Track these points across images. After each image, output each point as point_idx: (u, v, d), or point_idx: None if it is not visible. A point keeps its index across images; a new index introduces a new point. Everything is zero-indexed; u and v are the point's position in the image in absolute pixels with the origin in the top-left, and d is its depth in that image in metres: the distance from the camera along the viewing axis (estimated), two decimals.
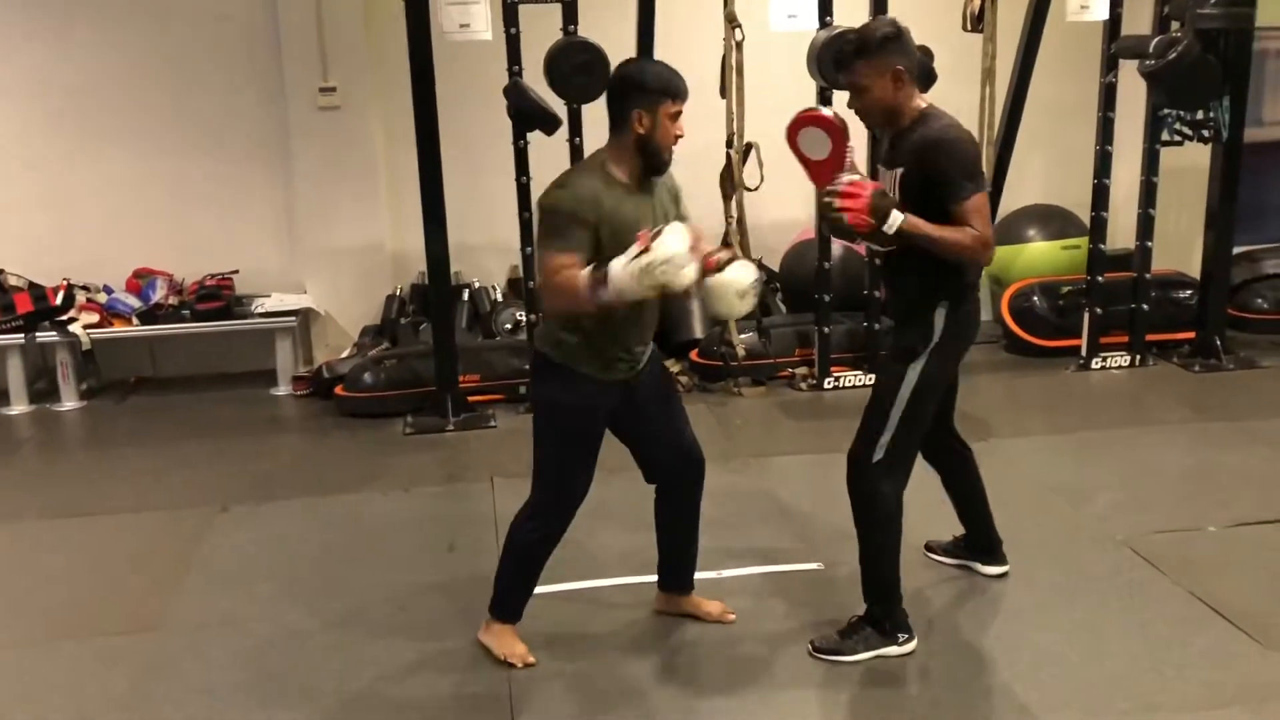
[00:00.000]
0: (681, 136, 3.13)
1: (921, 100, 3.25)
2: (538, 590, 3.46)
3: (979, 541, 3.87)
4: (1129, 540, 4.08)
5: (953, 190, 3.08)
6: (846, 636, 3.39)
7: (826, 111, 3.38)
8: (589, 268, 2.95)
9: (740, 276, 3.18)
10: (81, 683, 3.42)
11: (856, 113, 3.33)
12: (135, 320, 6.33)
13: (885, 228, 3.03)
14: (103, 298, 6.40)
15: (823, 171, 3.34)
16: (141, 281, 6.50)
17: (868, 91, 3.21)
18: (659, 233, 2.88)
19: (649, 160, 3.10)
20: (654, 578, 3.69)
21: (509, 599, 3.42)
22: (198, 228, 6.65)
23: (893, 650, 3.36)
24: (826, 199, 3.08)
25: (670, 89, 3.08)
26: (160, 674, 3.45)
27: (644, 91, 3.06)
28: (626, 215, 3.05)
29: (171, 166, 6.58)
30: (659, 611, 3.67)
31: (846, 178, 3.09)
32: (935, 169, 3.09)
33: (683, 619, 3.63)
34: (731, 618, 3.62)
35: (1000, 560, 3.86)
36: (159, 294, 6.42)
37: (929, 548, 3.98)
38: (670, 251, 2.84)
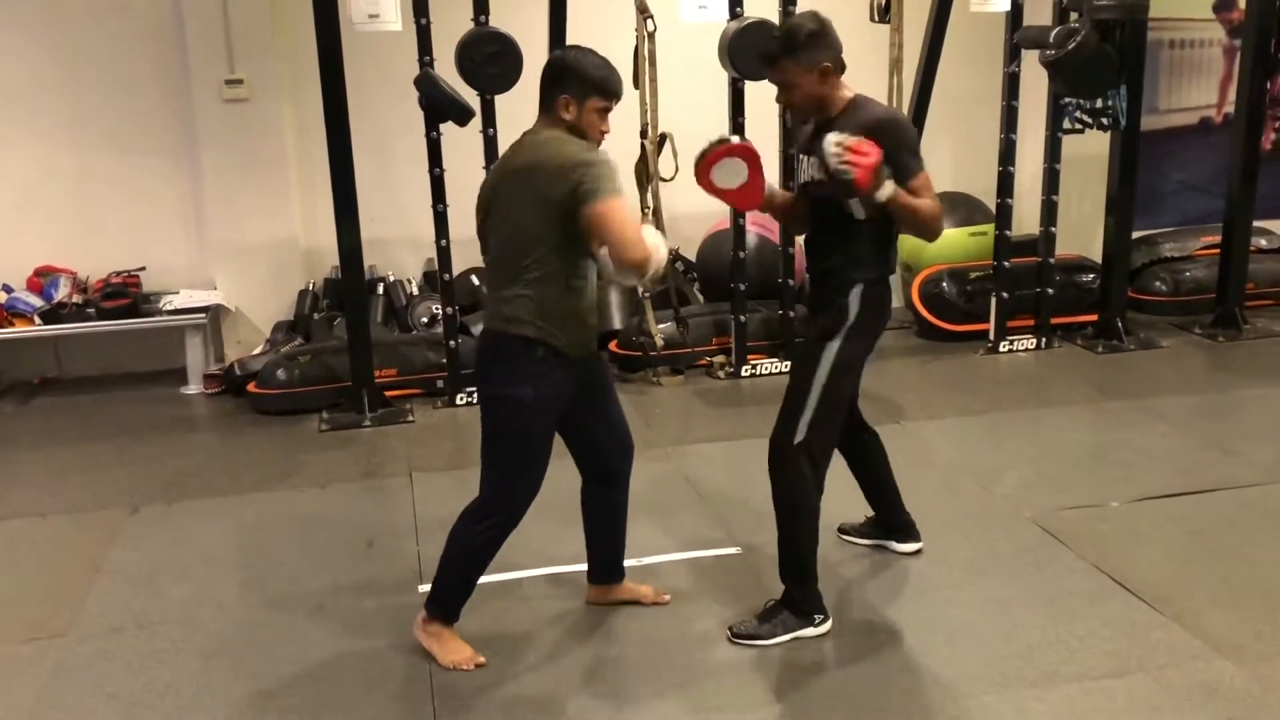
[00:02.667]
0: (607, 133, 3.13)
1: (848, 89, 3.32)
2: None
3: (892, 521, 3.95)
4: (1037, 517, 4.20)
5: (906, 166, 3.17)
6: (764, 621, 3.44)
7: (734, 140, 3.40)
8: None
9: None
10: None
11: (785, 107, 3.38)
12: (37, 320, 6.16)
13: (879, 194, 3.09)
14: (2, 297, 6.21)
15: (746, 195, 3.41)
16: (43, 280, 6.32)
17: (797, 88, 3.26)
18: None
19: None
20: (580, 567, 3.70)
21: (451, 600, 3.36)
22: (102, 224, 6.48)
23: (809, 631, 3.42)
24: (836, 148, 3.04)
25: (603, 85, 3.08)
26: (71, 680, 3.36)
27: (578, 80, 3.06)
28: None
29: (73, 162, 6.40)
30: (591, 603, 3.67)
31: (852, 139, 3.07)
32: (892, 143, 3.15)
33: (608, 608, 3.64)
34: (666, 599, 3.66)
35: (914, 537, 3.95)
36: (62, 292, 6.25)
37: (842, 530, 4.05)
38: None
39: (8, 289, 6.27)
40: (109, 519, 4.55)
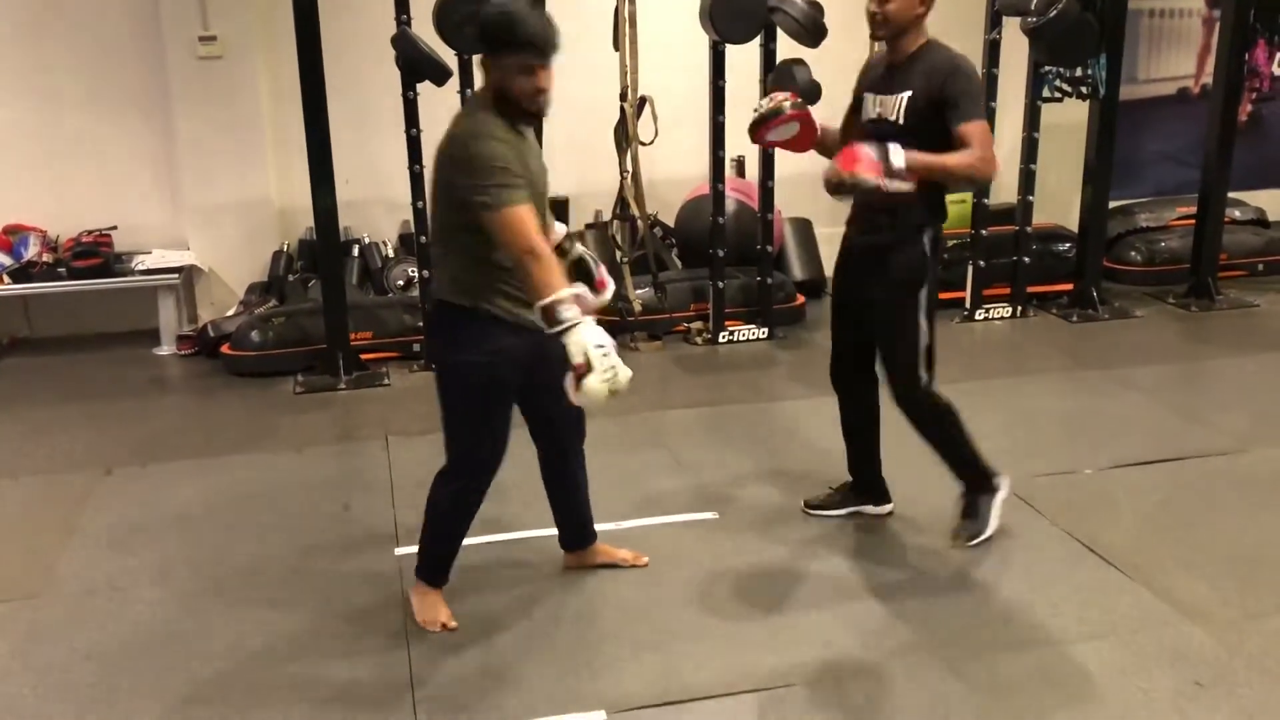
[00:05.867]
0: (543, 90, 2.93)
1: (924, 33, 3.43)
2: None
3: (871, 484, 3.98)
4: (1011, 484, 4.22)
5: (965, 110, 3.28)
6: (972, 516, 3.76)
7: (787, 107, 3.47)
8: (577, 290, 2.91)
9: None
10: None
11: (873, 16, 3.43)
12: (7, 279, 6.08)
13: (893, 162, 3.15)
14: None
15: (798, 144, 3.59)
16: (12, 238, 6.22)
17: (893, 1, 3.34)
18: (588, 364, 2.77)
19: (512, 110, 2.95)
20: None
21: (434, 562, 3.37)
22: (72, 182, 6.39)
23: (1001, 495, 3.78)
24: (831, 174, 3.19)
25: (506, 39, 2.85)
26: (44, 641, 3.34)
27: (485, 39, 2.91)
28: (531, 158, 3.02)
29: (42, 118, 6.29)
30: (569, 569, 3.68)
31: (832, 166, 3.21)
32: (953, 90, 3.28)
33: (587, 572, 3.64)
34: (645, 561, 3.67)
35: (888, 498, 3.99)
36: (32, 251, 6.17)
37: (809, 506, 4.02)
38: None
39: None
40: (82, 481, 4.51)
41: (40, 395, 5.64)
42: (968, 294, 6.49)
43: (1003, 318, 6.48)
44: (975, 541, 3.72)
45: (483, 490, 3.29)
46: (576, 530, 3.64)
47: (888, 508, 3.99)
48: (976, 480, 3.78)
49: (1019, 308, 6.51)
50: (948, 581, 3.57)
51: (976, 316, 6.47)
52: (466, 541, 3.40)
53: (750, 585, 3.59)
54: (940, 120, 3.31)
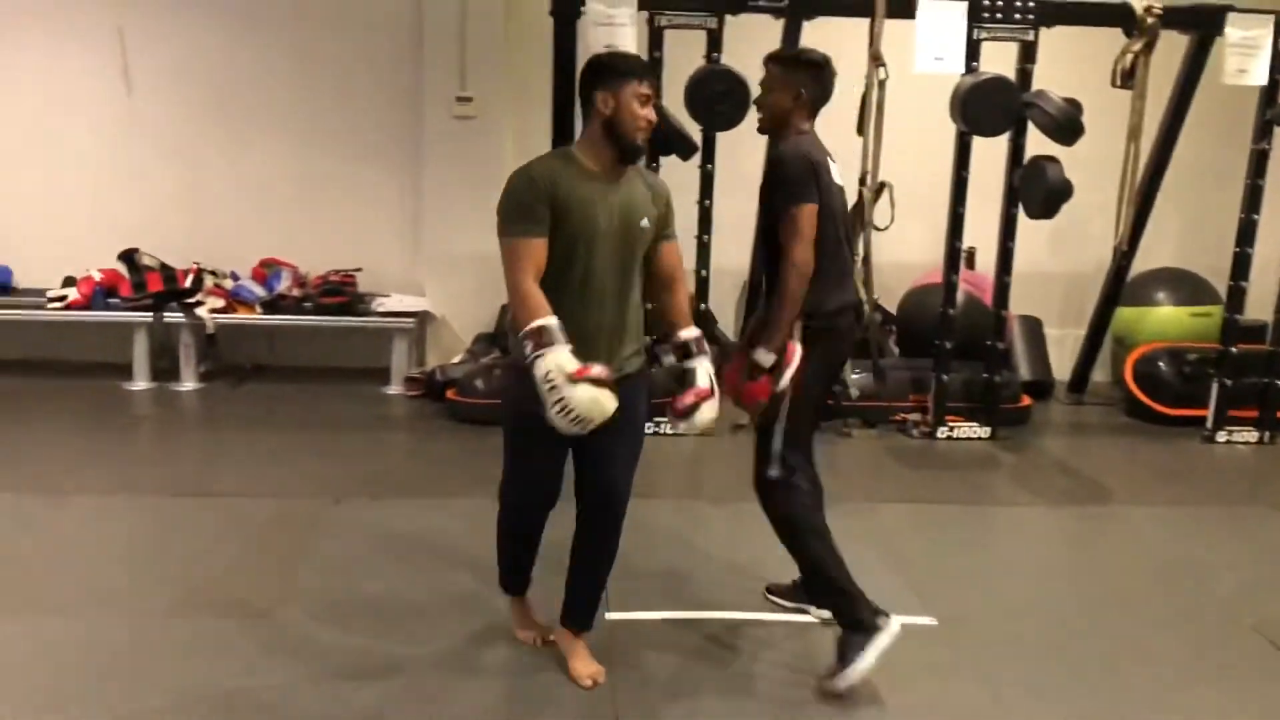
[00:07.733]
0: (652, 121, 3.06)
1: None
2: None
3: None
4: (1259, 625, 3.91)
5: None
6: (841, 658, 3.29)
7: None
8: (543, 323, 2.88)
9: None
10: (190, 664, 3.44)
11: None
12: (259, 309, 6.48)
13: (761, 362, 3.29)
14: (229, 284, 6.57)
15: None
16: (267, 271, 6.66)
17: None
18: (598, 379, 2.84)
19: (617, 144, 3.06)
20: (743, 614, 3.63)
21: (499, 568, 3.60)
22: (326, 224, 6.81)
23: (885, 639, 3.28)
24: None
25: (633, 69, 3.09)
26: (275, 659, 3.46)
27: (609, 73, 3.07)
28: (583, 194, 3.03)
29: (306, 163, 6.75)
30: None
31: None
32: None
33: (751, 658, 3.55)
34: (588, 685, 3.34)
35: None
36: (283, 285, 6.57)
37: (770, 590, 3.91)
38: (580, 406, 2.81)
39: (235, 276, 6.63)
40: (312, 507, 4.72)
41: (277, 422, 5.97)
42: (1211, 413, 6.11)
43: (1247, 442, 6.07)
44: (845, 687, 3.27)
45: (515, 518, 3.45)
46: (566, 603, 3.48)
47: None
48: (847, 614, 3.39)
49: (1267, 433, 6.08)
50: None
51: (1218, 438, 6.07)
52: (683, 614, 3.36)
53: (964, 699, 3.41)
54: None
